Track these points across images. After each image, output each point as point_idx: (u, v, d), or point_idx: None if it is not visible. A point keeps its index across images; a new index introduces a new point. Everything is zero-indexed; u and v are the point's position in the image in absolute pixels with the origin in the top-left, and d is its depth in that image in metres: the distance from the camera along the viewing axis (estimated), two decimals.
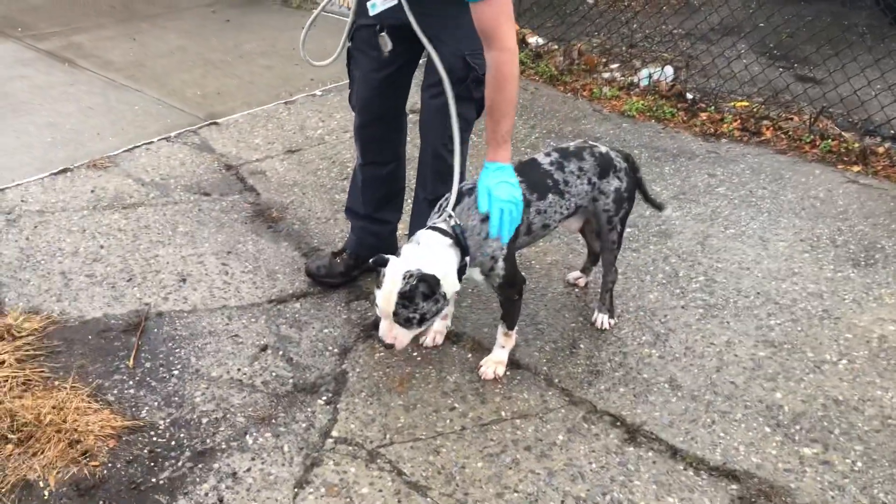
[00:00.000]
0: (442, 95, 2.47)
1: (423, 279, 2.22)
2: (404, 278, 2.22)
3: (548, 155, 2.58)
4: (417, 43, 2.53)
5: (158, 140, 4.10)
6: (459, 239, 2.34)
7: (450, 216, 2.36)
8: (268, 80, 4.98)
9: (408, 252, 2.31)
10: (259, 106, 4.59)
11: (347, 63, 2.70)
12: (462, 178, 2.49)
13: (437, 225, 2.35)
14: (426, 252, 2.29)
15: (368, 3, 2.48)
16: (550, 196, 2.51)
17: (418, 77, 2.70)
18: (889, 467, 2.32)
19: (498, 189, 2.30)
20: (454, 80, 2.44)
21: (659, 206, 2.97)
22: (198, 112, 4.47)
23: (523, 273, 2.61)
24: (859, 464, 2.33)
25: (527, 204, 2.45)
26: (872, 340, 2.87)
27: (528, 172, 2.49)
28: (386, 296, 2.24)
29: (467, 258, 2.36)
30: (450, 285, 2.30)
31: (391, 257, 2.30)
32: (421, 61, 2.68)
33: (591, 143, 2.67)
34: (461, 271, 2.36)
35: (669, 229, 3.53)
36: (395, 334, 2.30)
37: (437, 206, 2.48)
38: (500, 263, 2.40)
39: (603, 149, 2.64)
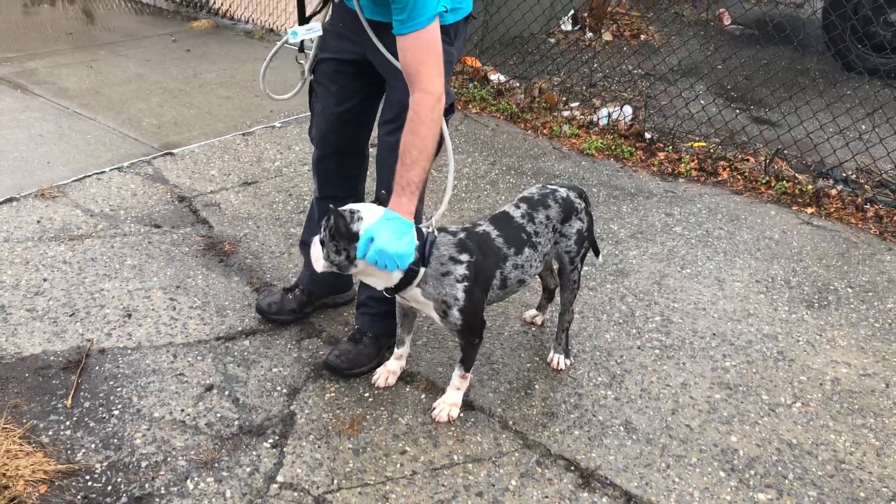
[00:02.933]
0: (397, 132, 2.44)
1: (341, 218, 2.21)
2: (329, 215, 2.24)
3: (517, 207, 2.55)
4: (377, 78, 2.50)
5: (110, 170, 4.01)
6: (424, 245, 2.29)
7: (429, 224, 2.35)
8: (226, 110, 4.92)
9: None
10: (216, 136, 4.52)
11: (309, 96, 2.67)
12: (419, 220, 2.46)
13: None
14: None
15: (289, 30, 2.47)
16: (527, 250, 2.49)
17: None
18: None
19: (383, 239, 2.17)
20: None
21: (596, 251, 2.94)
22: (153, 142, 4.39)
23: None
24: None
25: (503, 258, 2.42)
26: (826, 383, 2.88)
27: (504, 227, 2.47)
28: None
29: (421, 269, 2.29)
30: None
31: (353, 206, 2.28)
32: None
33: (550, 186, 2.66)
34: (407, 280, 2.30)
35: (626, 268, 3.52)
36: (317, 252, 2.30)
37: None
38: (455, 313, 2.35)
39: (563, 192, 2.63)
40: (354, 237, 2.20)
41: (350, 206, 2.27)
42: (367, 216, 2.23)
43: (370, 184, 2.88)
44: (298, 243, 2.99)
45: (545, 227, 2.53)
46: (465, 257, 2.33)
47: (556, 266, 2.76)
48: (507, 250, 2.43)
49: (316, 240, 2.31)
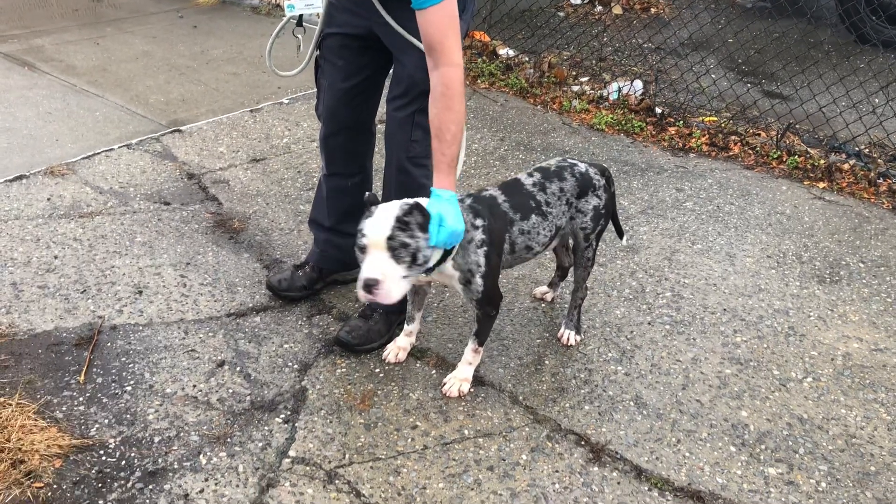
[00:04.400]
0: (407, 108, 2.43)
1: (420, 209, 2.13)
2: (401, 208, 2.13)
3: (530, 175, 2.54)
4: (384, 52, 2.47)
5: (119, 147, 4.00)
6: None
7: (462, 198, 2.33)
8: (234, 87, 4.90)
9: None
10: (224, 113, 4.51)
11: (315, 72, 2.65)
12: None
13: None
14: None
15: (286, 3, 2.45)
16: (533, 217, 2.47)
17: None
18: (853, 488, 2.31)
19: (453, 219, 2.18)
20: (418, 93, 2.40)
21: (620, 233, 2.93)
22: (161, 119, 4.38)
23: None
24: (823, 484, 2.31)
25: (510, 223, 2.41)
26: (837, 358, 2.87)
27: (512, 193, 2.45)
28: (379, 220, 2.09)
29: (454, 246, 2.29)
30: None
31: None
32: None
33: (570, 160, 2.64)
34: (445, 255, 2.28)
35: (637, 244, 3.51)
36: (383, 270, 2.09)
37: None
38: (478, 280, 2.35)
39: (582, 167, 2.61)
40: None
41: (374, 208, 2.18)
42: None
43: (378, 161, 2.88)
44: (308, 220, 2.98)
45: (558, 198, 2.51)
46: (479, 222, 2.33)
47: (570, 243, 2.75)
48: (512, 215, 2.42)
49: (373, 271, 2.09)
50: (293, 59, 2.70)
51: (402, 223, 2.11)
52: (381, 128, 2.77)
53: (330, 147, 2.73)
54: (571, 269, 2.85)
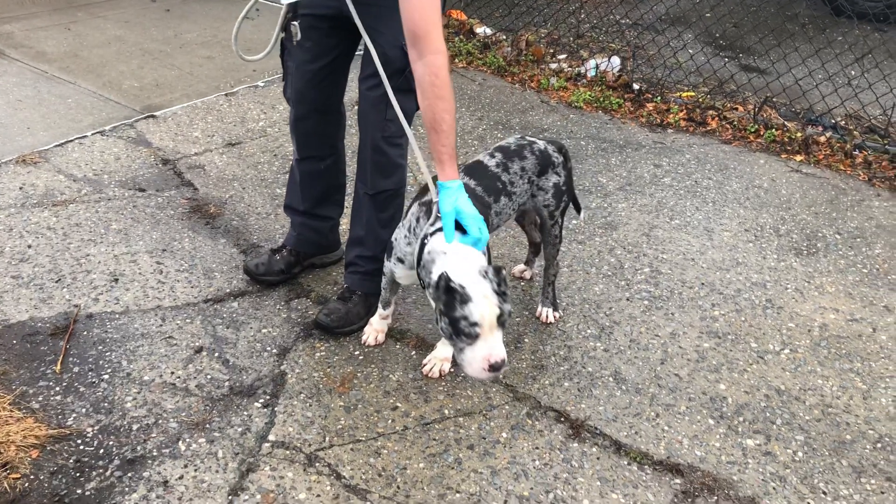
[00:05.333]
0: (380, 87, 2.40)
1: (498, 270, 2.10)
2: (484, 276, 2.06)
3: (492, 156, 2.53)
4: (353, 32, 2.45)
5: (92, 134, 3.95)
6: None
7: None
8: (208, 70, 4.84)
9: (449, 259, 2.12)
10: (199, 98, 4.45)
11: (281, 54, 2.61)
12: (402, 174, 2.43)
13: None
14: (460, 251, 2.14)
15: None
16: (503, 199, 2.47)
17: (357, 68, 2.62)
18: (829, 457, 2.33)
19: (469, 207, 2.17)
20: (392, 72, 2.37)
21: (577, 208, 2.94)
22: (134, 104, 4.32)
23: None
24: (800, 454, 2.34)
25: (488, 207, 2.40)
26: (814, 329, 2.89)
27: (481, 176, 2.44)
28: (486, 305, 2.01)
29: None
30: None
31: (448, 273, 2.06)
32: (358, 52, 2.60)
33: (528, 138, 2.63)
34: None
35: (615, 221, 3.51)
36: (502, 347, 2.04)
37: (433, 211, 2.31)
38: None
39: (541, 144, 2.61)
40: (452, 292, 2.04)
41: (466, 271, 2.07)
42: (461, 257, 2.12)
43: (353, 141, 2.85)
44: (283, 206, 2.96)
45: (520, 177, 2.51)
46: None
47: (537, 220, 2.75)
48: (488, 199, 2.41)
49: (500, 352, 2.04)
50: (266, 41, 2.65)
51: (501, 295, 2.07)
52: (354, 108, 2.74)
53: (300, 130, 2.70)
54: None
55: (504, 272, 2.14)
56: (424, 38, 2.15)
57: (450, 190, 2.18)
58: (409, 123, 2.51)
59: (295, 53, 2.54)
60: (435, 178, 2.24)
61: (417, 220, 2.34)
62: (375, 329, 2.65)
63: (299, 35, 2.44)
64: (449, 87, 2.17)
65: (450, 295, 2.04)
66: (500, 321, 2.05)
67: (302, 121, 2.67)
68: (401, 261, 2.39)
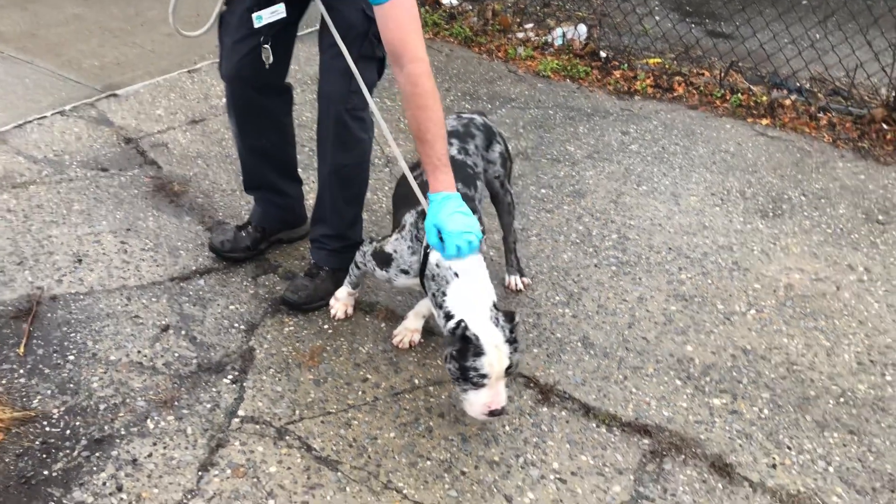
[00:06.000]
0: (343, 56, 2.34)
1: (512, 317, 2.07)
2: (497, 325, 2.03)
3: (449, 144, 2.47)
4: (296, 4, 2.38)
5: (52, 114, 3.87)
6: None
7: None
8: (170, 48, 4.76)
9: (459, 293, 2.10)
10: (161, 75, 4.37)
11: (219, 28, 2.53)
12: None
13: None
14: (471, 281, 2.11)
15: (253, 15, 2.33)
16: (479, 184, 2.45)
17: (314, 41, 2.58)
18: (794, 412, 2.37)
19: (451, 222, 2.05)
20: (354, 37, 2.32)
21: None
22: (95, 84, 4.24)
23: None
24: (766, 411, 2.38)
25: (471, 200, 2.35)
26: (779, 289, 2.93)
27: (456, 170, 2.35)
28: (497, 356, 2.00)
29: None
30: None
31: (462, 319, 2.04)
32: (317, 21, 2.55)
33: (464, 115, 2.61)
34: None
35: (583, 189, 3.52)
36: (505, 394, 2.06)
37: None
38: None
39: (478, 119, 2.60)
40: (466, 342, 2.02)
41: (477, 318, 2.04)
42: (474, 294, 2.10)
43: (311, 119, 2.79)
44: (243, 187, 2.92)
45: (476, 155, 2.50)
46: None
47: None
48: (470, 193, 2.38)
49: (502, 401, 2.05)
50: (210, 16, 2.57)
51: (512, 343, 2.04)
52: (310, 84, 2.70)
53: (240, 109, 2.61)
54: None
55: (517, 318, 2.08)
56: (401, 47, 2.10)
57: (433, 203, 2.11)
58: (371, 94, 2.48)
59: (233, 27, 2.46)
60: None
61: (417, 227, 2.27)
62: (344, 303, 2.63)
63: (271, 58, 2.40)
64: (431, 96, 2.11)
65: (464, 344, 2.02)
66: (509, 371, 2.06)
67: (240, 98, 2.59)
68: (405, 272, 2.31)
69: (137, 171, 3.43)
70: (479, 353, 2.00)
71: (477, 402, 2.05)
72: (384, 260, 2.36)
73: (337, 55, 2.38)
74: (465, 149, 2.47)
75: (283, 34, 2.52)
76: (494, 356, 2.00)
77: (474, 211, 2.30)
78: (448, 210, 2.06)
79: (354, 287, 2.61)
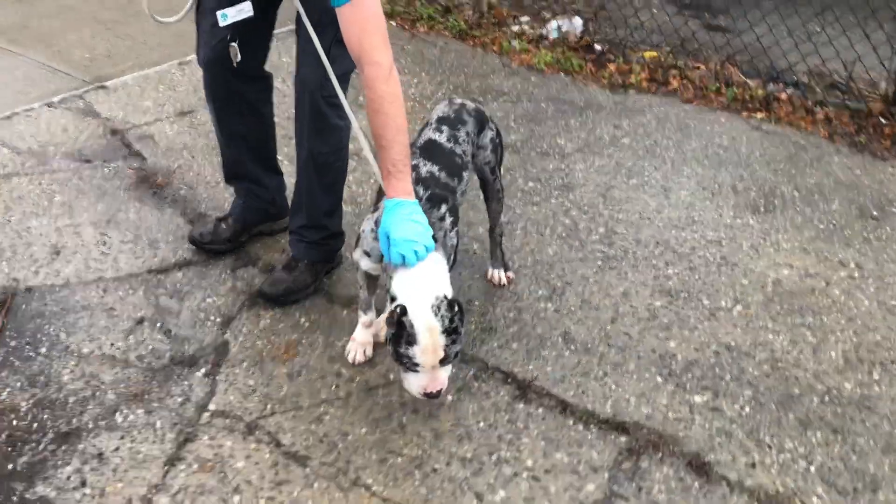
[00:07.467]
0: (321, 42, 2.29)
1: (457, 304, 2.01)
2: (436, 312, 1.98)
3: (439, 131, 2.43)
4: None
5: (40, 106, 3.85)
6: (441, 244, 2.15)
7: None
8: (161, 39, 4.72)
9: (406, 279, 2.04)
10: (152, 66, 4.35)
11: (196, 13, 2.50)
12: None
13: None
14: (422, 270, 2.04)
15: (218, 13, 2.30)
16: (465, 174, 2.41)
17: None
18: (776, 410, 2.32)
19: (398, 229, 2.00)
20: (328, 22, 2.27)
21: None
22: (85, 75, 4.22)
23: None
24: (748, 409, 2.33)
25: (452, 192, 2.32)
26: (767, 285, 2.87)
27: (439, 156, 2.35)
28: (430, 345, 1.97)
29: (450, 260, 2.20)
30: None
31: (402, 304, 1.99)
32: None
33: (456, 101, 2.57)
34: None
35: (572, 182, 3.47)
36: (442, 379, 2.05)
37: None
38: (452, 259, 2.26)
39: (470, 104, 2.56)
40: (401, 328, 1.98)
41: (418, 302, 1.99)
42: (421, 281, 2.04)
43: (288, 109, 2.74)
44: (224, 179, 2.89)
45: (467, 142, 2.46)
46: (444, 208, 2.23)
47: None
48: (452, 183, 2.34)
49: (436, 385, 2.04)
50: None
51: (451, 333, 1.99)
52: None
53: (217, 96, 2.59)
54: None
55: (458, 307, 2.01)
56: (360, 50, 2.08)
57: (385, 210, 2.06)
58: (347, 81, 2.44)
59: (208, 12, 2.42)
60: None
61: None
62: (360, 342, 2.42)
63: (239, 56, 2.37)
64: (388, 101, 2.07)
65: (399, 330, 1.98)
66: (445, 362, 2.02)
67: (218, 85, 2.56)
68: (367, 254, 2.25)
69: (121, 163, 3.40)
70: (411, 341, 1.96)
71: (414, 384, 2.05)
72: (357, 240, 2.32)
73: (311, 39, 2.34)
74: (455, 136, 2.43)
75: (260, 21, 2.48)
76: (428, 346, 1.96)
77: (446, 200, 2.26)
78: (397, 217, 2.02)
79: (366, 310, 2.41)
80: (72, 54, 4.48)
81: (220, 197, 3.20)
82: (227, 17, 2.29)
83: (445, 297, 2.02)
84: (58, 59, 4.40)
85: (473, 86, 4.39)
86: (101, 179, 3.27)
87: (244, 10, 2.30)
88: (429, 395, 2.05)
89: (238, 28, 2.43)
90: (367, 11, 2.07)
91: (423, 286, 2.02)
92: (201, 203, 3.16)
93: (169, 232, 2.97)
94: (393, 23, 5.22)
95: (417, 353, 1.97)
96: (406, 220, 2.02)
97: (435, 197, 2.23)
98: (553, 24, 5.02)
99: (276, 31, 2.65)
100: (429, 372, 2.01)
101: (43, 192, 3.16)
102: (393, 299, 2.05)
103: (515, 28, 5.10)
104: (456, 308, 2.01)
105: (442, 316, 1.99)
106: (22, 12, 5.04)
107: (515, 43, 4.90)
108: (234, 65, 2.40)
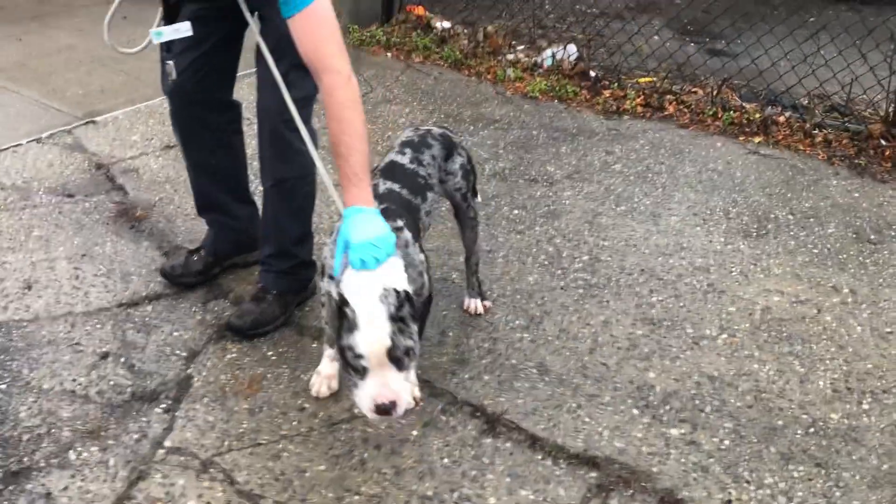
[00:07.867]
0: (278, 64, 2.26)
1: (406, 296, 1.87)
2: (383, 299, 1.84)
3: (402, 153, 2.39)
4: (235, 15, 2.32)
5: (28, 142, 3.87)
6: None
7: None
8: (155, 75, 4.71)
9: (356, 275, 1.91)
10: (143, 101, 4.37)
11: (160, 43, 2.48)
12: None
13: None
14: (376, 270, 1.91)
15: (151, 31, 2.28)
16: (429, 195, 2.36)
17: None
18: (757, 443, 2.21)
19: (357, 233, 1.93)
20: (285, 47, 2.23)
21: (474, 192, 2.71)
22: (76, 111, 4.25)
23: None
24: (727, 442, 2.22)
25: (416, 210, 2.27)
26: (755, 312, 2.77)
27: (401, 177, 2.30)
28: (372, 332, 1.80)
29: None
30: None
31: (346, 291, 1.87)
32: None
33: (422, 127, 2.53)
34: None
35: (558, 209, 3.40)
36: (395, 388, 1.83)
37: None
38: (426, 277, 2.17)
39: (436, 130, 2.52)
40: (342, 316, 1.86)
41: (364, 291, 1.87)
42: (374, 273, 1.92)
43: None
44: (196, 211, 2.86)
45: (432, 166, 2.40)
46: (400, 222, 2.15)
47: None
48: (415, 201, 2.29)
49: (385, 393, 1.83)
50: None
51: (398, 321, 1.83)
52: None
53: (183, 125, 2.57)
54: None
55: (408, 297, 1.87)
56: (315, 59, 2.05)
57: (344, 218, 2.01)
58: (310, 105, 2.40)
59: (172, 42, 2.42)
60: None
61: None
62: (326, 376, 2.33)
63: (174, 74, 2.37)
64: (347, 106, 2.03)
65: (340, 319, 1.84)
66: (395, 356, 1.83)
67: (183, 114, 2.55)
68: (332, 278, 2.12)
69: (103, 197, 3.39)
70: (352, 327, 1.81)
71: (364, 396, 1.83)
72: (322, 270, 2.24)
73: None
74: (419, 159, 2.38)
75: (224, 49, 2.47)
76: (371, 332, 1.79)
77: (416, 218, 2.22)
78: (356, 223, 1.95)
79: (333, 345, 2.19)
80: (66, 91, 4.52)
81: (197, 229, 3.16)
82: (163, 34, 2.28)
83: (395, 289, 1.87)
84: (51, 96, 4.44)
85: (465, 114, 4.35)
86: (80, 213, 3.26)
87: (181, 30, 2.28)
88: (382, 411, 1.82)
89: (208, 51, 2.44)
90: (319, 17, 2.03)
91: (372, 278, 1.89)
92: (178, 235, 3.13)
93: (143, 265, 2.93)
94: (388, 54, 5.23)
95: (359, 340, 1.80)
96: (366, 224, 1.95)
97: (391, 211, 2.15)
98: (547, 51, 4.99)
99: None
100: (377, 373, 1.81)
101: (21, 226, 3.15)
102: (342, 298, 1.89)
103: (511, 57, 5.07)
104: (405, 295, 1.87)
105: (388, 303, 1.84)
106: (22, 52, 5.12)
107: (510, 71, 4.87)
108: (170, 81, 2.39)
